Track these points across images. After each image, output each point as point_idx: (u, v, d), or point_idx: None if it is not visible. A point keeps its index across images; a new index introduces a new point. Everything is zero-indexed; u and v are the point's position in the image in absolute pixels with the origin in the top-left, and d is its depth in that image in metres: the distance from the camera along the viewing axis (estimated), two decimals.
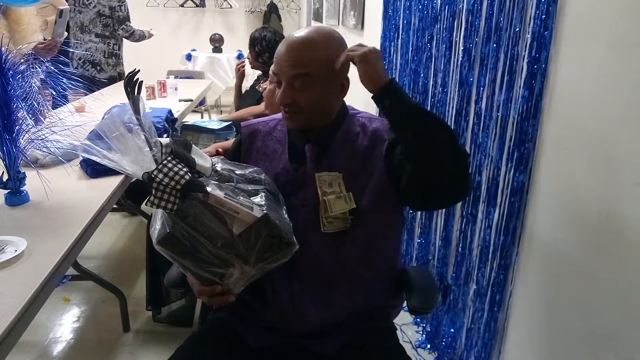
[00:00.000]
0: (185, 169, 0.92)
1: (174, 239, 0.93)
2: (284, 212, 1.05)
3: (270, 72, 1.15)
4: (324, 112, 1.16)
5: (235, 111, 2.97)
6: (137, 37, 3.99)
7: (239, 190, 0.99)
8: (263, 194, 1.01)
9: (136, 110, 0.96)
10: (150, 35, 4.20)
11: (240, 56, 5.98)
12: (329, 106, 1.16)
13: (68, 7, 2.60)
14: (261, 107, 2.63)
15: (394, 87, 1.03)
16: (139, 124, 0.94)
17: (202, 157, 1.00)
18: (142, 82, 0.99)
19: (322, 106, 1.14)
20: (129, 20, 3.87)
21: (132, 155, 0.93)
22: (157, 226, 0.96)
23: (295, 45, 1.10)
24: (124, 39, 3.95)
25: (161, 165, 0.91)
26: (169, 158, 0.92)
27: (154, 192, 0.90)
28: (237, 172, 1.05)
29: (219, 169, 1.03)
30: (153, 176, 0.90)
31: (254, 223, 0.93)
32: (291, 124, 1.16)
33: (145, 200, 0.92)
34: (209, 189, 0.93)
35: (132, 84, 0.97)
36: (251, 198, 0.98)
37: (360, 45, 1.07)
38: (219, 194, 0.93)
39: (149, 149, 0.93)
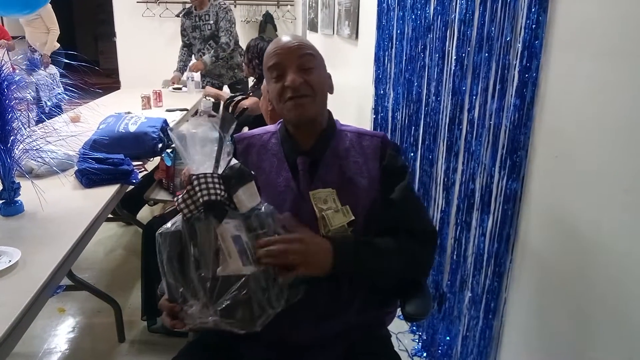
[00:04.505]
0: (221, 193, 0.93)
1: (176, 239, 0.94)
2: (284, 296, 0.97)
3: (268, 76, 1.17)
4: (324, 103, 1.20)
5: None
6: None
7: (256, 243, 0.96)
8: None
9: (222, 127, 0.98)
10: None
11: None
12: (326, 97, 1.20)
13: None
14: (253, 102, 2.67)
15: (343, 268, 1.06)
16: (220, 139, 0.97)
17: (251, 195, 0.98)
18: (239, 102, 1.04)
19: (324, 93, 1.19)
20: None
21: (199, 157, 0.96)
22: (173, 221, 0.97)
23: (292, 37, 1.19)
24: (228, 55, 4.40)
25: (203, 175, 0.93)
26: (216, 175, 0.95)
27: (184, 192, 0.93)
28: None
29: (260, 219, 0.98)
30: (192, 179, 0.93)
31: (236, 276, 0.90)
32: (303, 110, 1.13)
33: (175, 197, 0.95)
34: (227, 220, 0.93)
35: (228, 106, 1.03)
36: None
37: (281, 241, 0.98)
38: (230, 230, 0.92)
39: (214, 161, 0.96)
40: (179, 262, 0.94)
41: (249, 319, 0.91)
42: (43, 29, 4.75)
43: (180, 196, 0.93)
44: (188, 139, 0.96)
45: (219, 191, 0.93)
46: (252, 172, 1.01)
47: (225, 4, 4.26)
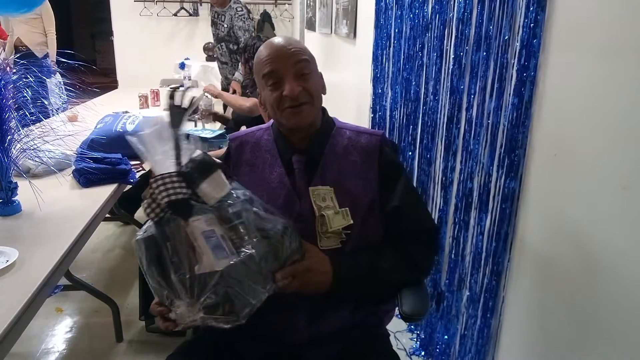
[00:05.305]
0: (182, 191, 0.91)
1: (151, 243, 0.93)
2: (269, 281, 0.96)
3: (262, 84, 1.15)
4: (320, 105, 1.19)
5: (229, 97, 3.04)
6: None
7: (233, 233, 0.94)
8: (253, 251, 0.93)
9: (173, 122, 0.96)
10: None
11: None
12: (322, 99, 1.19)
13: None
14: (253, 103, 2.65)
15: (339, 288, 1.09)
16: (175, 135, 0.95)
17: (218, 185, 0.96)
18: (186, 92, 1.01)
19: (321, 96, 1.18)
20: None
21: (160, 157, 0.95)
22: (145, 226, 0.96)
23: (286, 41, 1.14)
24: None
25: (161, 176, 0.91)
26: (174, 173, 0.93)
27: (148, 197, 0.92)
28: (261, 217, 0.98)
29: (234, 208, 0.95)
30: (151, 181, 0.91)
31: (212, 272, 0.89)
32: (302, 117, 1.12)
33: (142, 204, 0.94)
34: (196, 217, 0.91)
35: (174, 99, 0.99)
36: (242, 247, 0.93)
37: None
38: (200, 227, 0.91)
39: (174, 159, 0.94)
40: (158, 266, 0.93)
41: (231, 313, 0.91)
42: (40, 29, 4.68)
43: (145, 201, 0.92)
44: (145, 140, 0.94)
45: (178, 190, 0.91)
46: (217, 161, 0.99)
47: (242, 10, 3.98)
